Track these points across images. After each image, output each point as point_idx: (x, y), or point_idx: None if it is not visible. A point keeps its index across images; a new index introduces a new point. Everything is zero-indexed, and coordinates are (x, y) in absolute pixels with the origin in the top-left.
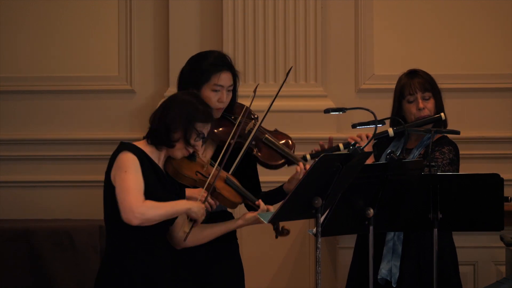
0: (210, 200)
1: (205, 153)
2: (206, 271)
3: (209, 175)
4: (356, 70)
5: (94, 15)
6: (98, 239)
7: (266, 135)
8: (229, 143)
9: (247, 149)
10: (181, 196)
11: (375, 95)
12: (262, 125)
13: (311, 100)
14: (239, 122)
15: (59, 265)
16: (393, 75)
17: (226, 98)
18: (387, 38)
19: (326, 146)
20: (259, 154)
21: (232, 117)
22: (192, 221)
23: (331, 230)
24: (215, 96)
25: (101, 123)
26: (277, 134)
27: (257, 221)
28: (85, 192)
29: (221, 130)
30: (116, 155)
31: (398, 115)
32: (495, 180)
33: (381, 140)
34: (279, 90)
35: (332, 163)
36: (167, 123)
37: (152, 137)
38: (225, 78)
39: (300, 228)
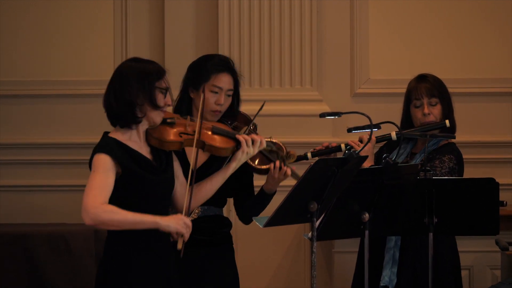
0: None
1: (199, 157)
2: (201, 275)
3: (194, 131)
4: (352, 74)
5: (89, 19)
6: (93, 243)
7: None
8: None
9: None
10: (168, 170)
11: (370, 99)
12: (258, 130)
13: (306, 104)
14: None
15: (55, 269)
16: (389, 79)
17: (225, 101)
18: (382, 42)
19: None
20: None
21: (229, 122)
22: (181, 235)
23: (327, 235)
24: (213, 97)
25: (97, 127)
26: (272, 143)
27: (248, 156)
28: (81, 196)
29: None
30: (93, 153)
31: (407, 119)
32: (491, 185)
33: (390, 144)
34: (255, 117)
35: (328, 167)
36: (126, 101)
37: (119, 121)
38: (224, 80)
39: (296, 233)
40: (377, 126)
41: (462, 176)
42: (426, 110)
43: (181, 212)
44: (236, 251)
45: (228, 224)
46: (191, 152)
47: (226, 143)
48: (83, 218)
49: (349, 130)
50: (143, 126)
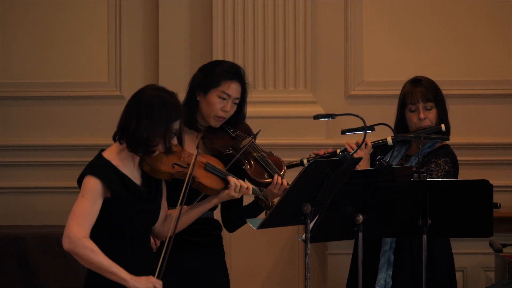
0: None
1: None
2: (191, 277)
3: (188, 164)
4: (346, 76)
5: (84, 21)
6: None
7: (260, 153)
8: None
9: (238, 163)
10: (157, 199)
11: (364, 101)
12: (260, 146)
13: (300, 106)
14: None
15: (49, 271)
16: (383, 81)
17: (230, 109)
18: (376, 44)
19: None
20: (248, 169)
21: (231, 130)
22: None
23: (321, 236)
24: (220, 104)
25: (91, 129)
26: (271, 156)
27: (230, 197)
28: (75, 198)
29: (218, 141)
30: (85, 172)
31: (401, 122)
32: (485, 186)
33: (384, 147)
34: (255, 136)
35: (322, 169)
36: (145, 135)
37: (131, 147)
38: (234, 88)
39: (290, 234)
40: (371, 128)
41: (457, 177)
42: (422, 115)
43: (155, 236)
44: (230, 253)
45: (218, 226)
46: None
47: (216, 184)
48: (63, 242)
49: (343, 132)
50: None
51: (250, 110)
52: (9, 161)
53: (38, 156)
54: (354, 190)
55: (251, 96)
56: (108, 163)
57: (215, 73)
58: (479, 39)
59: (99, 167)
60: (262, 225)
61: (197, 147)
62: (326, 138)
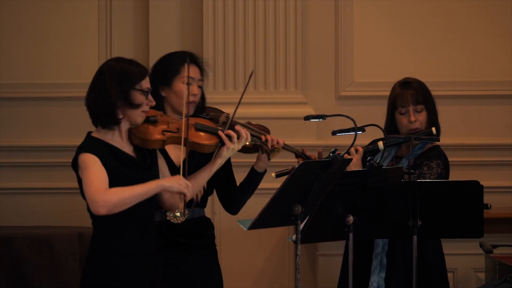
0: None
1: (179, 154)
2: (185, 278)
3: (178, 129)
4: (336, 77)
5: (74, 21)
6: (77, 246)
7: (240, 122)
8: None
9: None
10: (153, 168)
11: (355, 102)
12: (235, 119)
13: (291, 107)
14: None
15: (39, 272)
16: (373, 82)
17: (198, 91)
18: (367, 45)
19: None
20: None
21: (204, 114)
22: (182, 196)
23: (311, 237)
24: (187, 89)
25: (82, 130)
26: (250, 124)
27: (232, 151)
28: (65, 199)
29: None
30: (77, 153)
31: (391, 125)
32: (475, 187)
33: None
34: (243, 93)
35: (312, 170)
36: (105, 102)
37: (100, 122)
38: (194, 71)
39: (280, 235)
40: (362, 129)
41: (447, 179)
42: (412, 118)
43: (170, 211)
44: (220, 254)
45: (211, 225)
46: (172, 150)
47: (209, 140)
48: (96, 211)
49: (334, 133)
50: (125, 125)
51: (240, 111)
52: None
53: (29, 157)
54: (345, 191)
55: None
56: (97, 139)
57: (172, 63)
58: (471, 40)
59: (89, 144)
60: (253, 226)
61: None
62: (316, 139)
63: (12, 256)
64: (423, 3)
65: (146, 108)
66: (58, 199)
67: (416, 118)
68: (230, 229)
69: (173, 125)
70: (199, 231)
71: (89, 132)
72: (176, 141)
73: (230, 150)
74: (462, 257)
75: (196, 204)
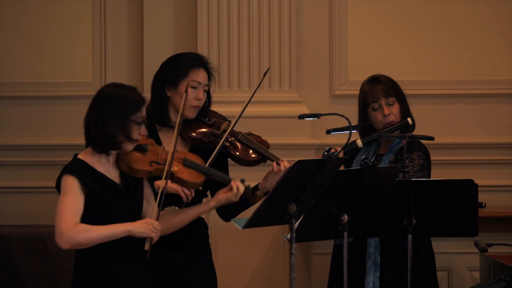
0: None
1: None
2: (179, 277)
3: (165, 162)
4: (331, 76)
5: (68, 20)
6: None
7: (241, 134)
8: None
9: (223, 147)
10: (137, 195)
11: (349, 100)
12: (237, 129)
13: (285, 106)
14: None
15: (33, 271)
16: None
17: (203, 96)
18: (361, 44)
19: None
20: (234, 151)
21: (206, 119)
22: (150, 238)
23: (306, 236)
24: (193, 93)
25: (76, 129)
26: (251, 135)
27: (229, 201)
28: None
29: (196, 131)
30: (62, 173)
31: (365, 123)
32: (470, 186)
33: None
34: (257, 88)
35: (307, 169)
36: (105, 131)
37: (97, 147)
38: (202, 76)
39: (275, 234)
40: (356, 127)
41: (430, 170)
42: (386, 111)
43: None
44: (215, 252)
45: (205, 225)
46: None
47: (195, 178)
48: (58, 243)
49: (328, 132)
50: (115, 152)
51: (235, 110)
52: None
53: (25, 156)
54: (339, 190)
55: (236, 96)
56: (81, 162)
57: (181, 65)
58: (466, 39)
59: (73, 166)
60: (247, 225)
61: (174, 144)
62: (311, 138)
63: (6, 254)
64: (418, 2)
65: (137, 137)
66: (52, 198)
67: (389, 111)
68: (224, 228)
69: (161, 156)
70: (192, 230)
71: (76, 154)
72: (161, 173)
73: (229, 201)
74: (456, 256)
75: (186, 205)
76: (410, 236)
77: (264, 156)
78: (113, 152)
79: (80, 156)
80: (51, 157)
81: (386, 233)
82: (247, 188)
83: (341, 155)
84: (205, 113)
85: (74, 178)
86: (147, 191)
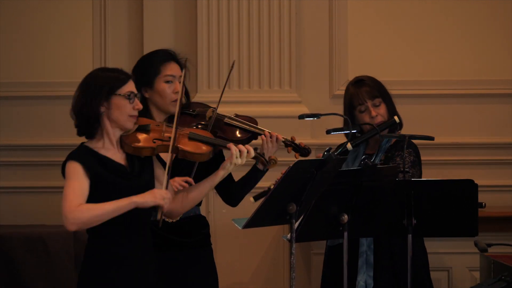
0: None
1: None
2: (181, 276)
3: (169, 138)
4: (331, 76)
5: (68, 20)
6: (72, 245)
7: (227, 118)
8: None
9: (212, 133)
10: (143, 175)
11: None
12: (222, 113)
13: (285, 106)
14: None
15: (33, 271)
16: None
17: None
18: (361, 44)
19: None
20: (223, 134)
21: (191, 110)
22: (160, 207)
23: (306, 236)
24: (170, 87)
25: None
26: (237, 116)
27: (235, 165)
28: (59, 198)
29: (182, 124)
30: (65, 160)
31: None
32: (470, 186)
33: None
34: (225, 84)
35: (307, 169)
36: (89, 111)
37: (86, 132)
38: (174, 68)
39: (275, 234)
40: (356, 127)
41: (421, 166)
42: (373, 113)
43: (168, 216)
44: (215, 252)
45: (206, 224)
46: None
47: (201, 149)
48: (66, 226)
49: (328, 132)
50: (116, 133)
51: (235, 110)
52: None
53: (25, 156)
54: (339, 190)
55: (236, 96)
56: (85, 147)
57: (151, 63)
58: (466, 39)
59: (77, 152)
60: (247, 225)
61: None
62: (311, 138)
63: (6, 255)
64: (418, 2)
65: (132, 112)
66: (53, 198)
67: (376, 112)
68: (225, 228)
69: (166, 134)
70: (194, 229)
71: (83, 142)
72: (165, 150)
73: (233, 164)
74: (456, 256)
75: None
76: (410, 236)
77: (253, 132)
78: (115, 133)
79: (85, 143)
80: (51, 157)
81: (386, 233)
82: (258, 156)
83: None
84: (188, 105)
85: (77, 163)
86: (159, 172)
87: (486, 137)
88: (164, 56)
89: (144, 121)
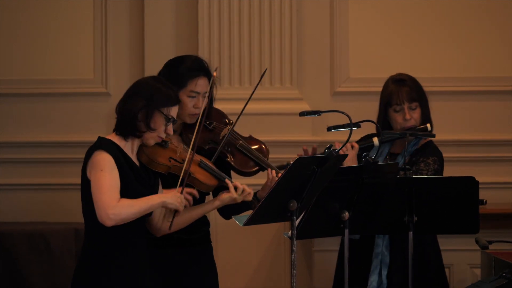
0: (186, 194)
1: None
2: (180, 274)
3: (183, 160)
4: (332, 73)
5: (69, 18)
6: (73, 242)
7: (240, 142)
8: (199, 124)
9: (221, 155)
10: (155, 186)
11: (350, 98)
12: (237, 129)
13: (286, 103)
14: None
15: (35, 268)
16: (369, 78)
17: (202, 103)
18: (362, 41)
19: (309, 152)
20: (232, 160)
21: (207, 122)
22: (174, 210)
23: (307, 233)
24: (191, 102)
25: (77, 126)
26: (251, 140)
27: (233, 201)
28: (60, 195)
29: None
30: (92, 151)
31: (384, 121)
32: (471, 183)
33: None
34: (253, 93)
35: (308, 166)
36: (129, 111)
37: (119, 128)
38: (201, 85)
39: (276, 231)
40: (357, 124)
41: (442, 175)
42: (407, 116)
43: (155, 233)
44: (216, 250)
45: (207, 222)
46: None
47: (209, 180)
48: (103, 220)
49: (329, 129)
50: (137, 142)
51: (236, 107)
52: None
53: (25, 153)
54: (340, 187)
55: (237, 93)
56: (111, 142)
57: (180, 73)
58: (466, 36)
59: (106, 144)
60: (249, 222)
61: (192, 148)
62: (312, 135)
63: (8, 252)
64: (419, 0)
65: (162, 134)
66: (54, 195)
67: (411, 116)
68: (226, 226)
69: (180, 155)
70: (195, 227)
71: (101, 136)
72: (178, 171)
73: (231, 199)
74: (458, 253)
75: None
76: (411, 233)
77: (262, 166)
78: (137, 141)
79: (108, 137)
80: (53, 154)
81: (387, 230)
82: (254, 201)
83: (353, 152)
84: (207, 114)
85: (109, 155)
86: (160, 191)
87: (487, 134)
88: (195, 70)
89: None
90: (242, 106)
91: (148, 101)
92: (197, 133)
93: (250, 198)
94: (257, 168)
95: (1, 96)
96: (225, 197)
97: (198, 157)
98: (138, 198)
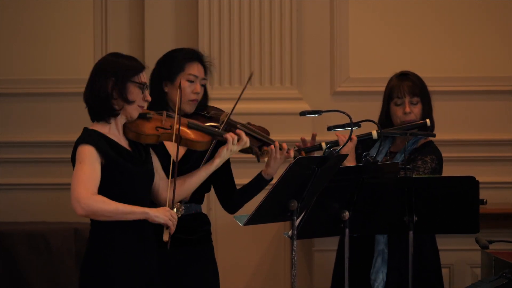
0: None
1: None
2: (181, 274)
3: (171, 126)
4: (332, 73)
5: (69, 18)
6: (73, 242)
7: (239, 124)
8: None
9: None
10: (147, 162)
11: (350, 97)
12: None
13: (286, 103)
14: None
15: (35, 268)
16: (369, 77)
17: (200, 90)
18: (362, 41)
19: (308, 144)
20: None
21: (205, 112)
22: (167, 227)
23: (307, 233)
24: (190, 87)
25: (77, 126)
26: (250, 125)
27: (230, 152)
28: (61, 194)
29: None
30: (76, 145)
31: (386, 116)
32: (471, 183)
33: (366, 141)
34: (241, 94)
35: (308, 166)
36: (101, 95)
37: (95, 114)
38: (199, 69)
39: (276, 231)
40: (357, 124)
41: (441, 175)
42: (407, 109)
43: (164, 205)
44: (216, 249)
45: (207, 222)
46: (170, 145)
47: (202, 138)
48: (75, 209)
49: (329, 129)
50: (121, 120)
51: (237, 107)
52: None
53: (25, 153)
54: (340, 187)
55: (237, 93)
56: (95, 132)
57: (178, 59)
58: (467, 36)
59: (88, 136)
60: (249, 222)
61: (177, 114)
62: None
63: (8, 252)
64: (419, 0)
65: (142, 103)
66: (54, 195)
67: (411, 110)
68: (226, 225)
69: (166, 122)
70: (195, 227)
71: (86, 127)
72: (169, 138)
73: (229, 151)
74: (458, 252)
75: (186, 202)
76: (411, 232)
77: (265, 142)
78: (120, 120)
79: (90, 127)
80: (53, 154)
81: (387, 230)
82: (252, 147)
83: (350, 144)
84: (203, 108)
85: (91, 146)
86: (155, 160)
87: (487, 134)
88: (190, 55)
89: (144, 110)
90: (242, 106)
91: (117, 77)
92: (180, 96)
93: (247, 145)
94: (259, 144)
95: (1, 96)
96: (223, 151)
97: (185, 120)
98: (117, 202)
